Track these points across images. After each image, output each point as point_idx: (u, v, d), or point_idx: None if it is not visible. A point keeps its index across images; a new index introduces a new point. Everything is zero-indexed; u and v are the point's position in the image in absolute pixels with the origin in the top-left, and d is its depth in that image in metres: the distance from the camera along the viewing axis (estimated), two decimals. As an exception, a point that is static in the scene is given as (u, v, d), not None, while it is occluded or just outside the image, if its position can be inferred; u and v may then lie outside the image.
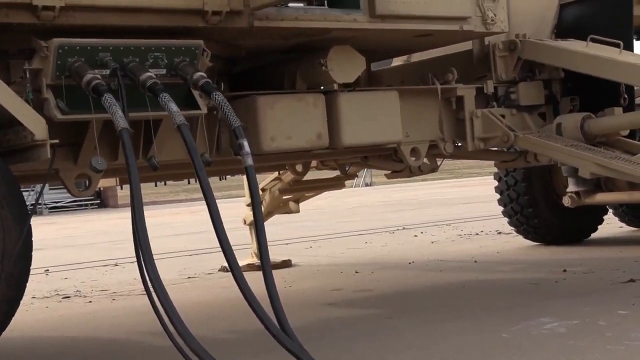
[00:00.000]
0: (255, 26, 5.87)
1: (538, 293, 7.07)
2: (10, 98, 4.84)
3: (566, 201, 9.66)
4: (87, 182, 5.73)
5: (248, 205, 9.89)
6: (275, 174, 9.75)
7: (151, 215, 16.00)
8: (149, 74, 5.18)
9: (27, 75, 5.13)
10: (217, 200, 4.94)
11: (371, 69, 8.35)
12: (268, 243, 5.09)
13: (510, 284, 7.71)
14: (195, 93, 5.53)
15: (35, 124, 4.86)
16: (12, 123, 4.99)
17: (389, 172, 8.07)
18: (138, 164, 4.99)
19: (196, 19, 5.66)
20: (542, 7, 8.04)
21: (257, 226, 5.09)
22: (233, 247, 4.83)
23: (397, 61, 8.64)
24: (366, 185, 41.33)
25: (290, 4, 6.11)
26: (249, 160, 5.17)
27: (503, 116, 7.42)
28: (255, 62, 7.09)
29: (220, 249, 4.84)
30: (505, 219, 10.55)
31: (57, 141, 4.95)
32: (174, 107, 5.03)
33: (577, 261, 8.72)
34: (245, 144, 5.18)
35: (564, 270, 8.10)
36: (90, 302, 8.66)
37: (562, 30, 8.03)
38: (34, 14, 5.10)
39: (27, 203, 5.19)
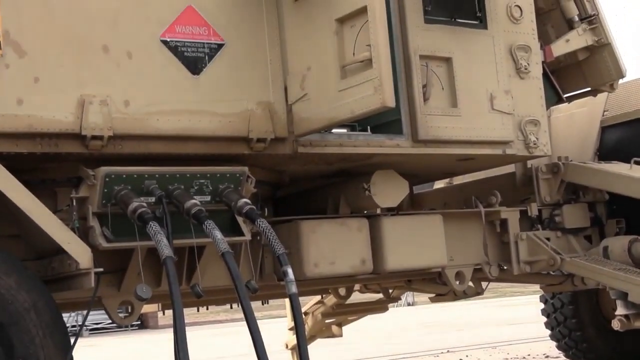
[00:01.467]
0: (300, 152, 5.93)
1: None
2: (57, 226, 4.89)
3: (615, 324, 9.38)
4: (129, 308, 5.71)
5: (290, 329, 9.77)
6: (318, 297, 9.66)
7: (192, 337, 15.86)
8: (193, 201, 5.21)
9: (74, 203, 5.20)
10: (257, 321, 4.88)
11: (414, 192, 8.35)
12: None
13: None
14: (240, 219, 5.55)
15: (80, 253, 4.89)
16: (58, 251, 5.02)
17: (433, 295, 7.96)
18: (181, 291, 4.97)
19: (241, 146, 5.74)
20: (584, 129, 8.06)
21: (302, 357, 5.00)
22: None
23: (439, 183, 8.65)
24: (408, 304, 40.83)
25: (333, 130, 6.17)
26: (293, 288, 5.13)
27: (548, 239, 7.35)
28: (298, 187, 7.13)
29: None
30: (553, 342, 10.28)
31: (101, 270, 4.95)
32: (218, 234, 5.04)
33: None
34: (290, 271, 5.15)
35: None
36: None
37: (605, 152, 8.02)
38: (82, 143, 5.20)
39: (69, 327, 5.16)
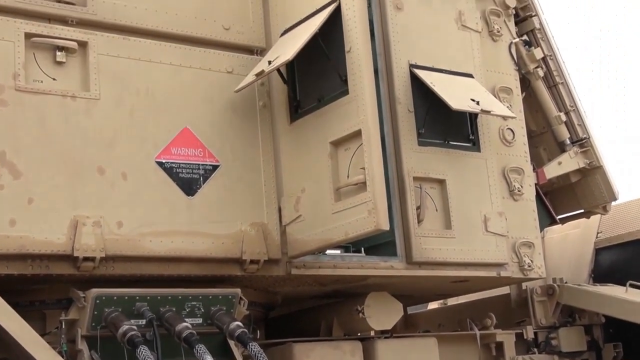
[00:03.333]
0: (293, 274, 5.87)
1: None
2: (44, 351, 4.78)
3: None
4: None
5: None
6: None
7: None
8: (185, 324, 5.12)
9: (63, 326, 5.10)
10: None
11: (408, 312, 8.26)
12: None
13: None
14: (232, 342, 5.45)
15: (66, 380, 4.77)
16: (45, 374, 4.90)
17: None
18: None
19: (234, 267, 5.69)
20: (578, 251, 8.05)
21: None
22: None
23: (433, 304, 8.57)
24: None
25: (327, 252, 6.14)
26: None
27: (545, 363, 7.23)
28: (291, 308, 7.05)
29: None
30: None
31: (88, 396, 4.82)
32: (209, 359, 4.94)
33: None
34: (281, 397, 5.02)
35: None
36: None
37: (600, 273, 7.98)
38: (74, 265, 5.15)
39: None
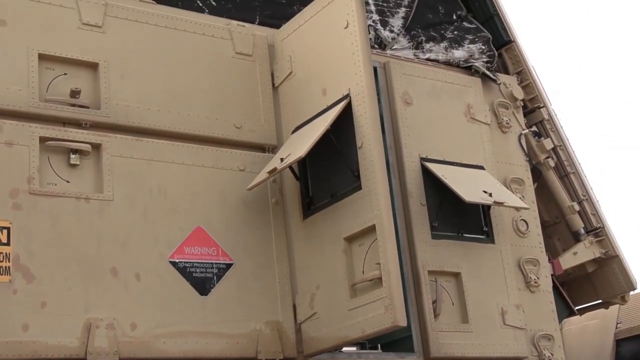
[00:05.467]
0: (309, 373, 5.78)
1: None
2: None
3: None
4: None
5: None
6: None
7: None
8: None
9: None
10: None
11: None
12: None
13: None
14: None
15: None
16: None
17: None
18: None
19: (250, 367, 5.61)
20: (598, 342, 7.93)
21: None
22: None
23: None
24: None
25: (344, 349, 6.04)
26: None
27: None
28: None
29: None
30: None
31: None
32: None
33: None
34: None
35: None
36: None
37: (620, 365, 7.82)
38: (86, 371, 5.07)
39: None
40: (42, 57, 5.49)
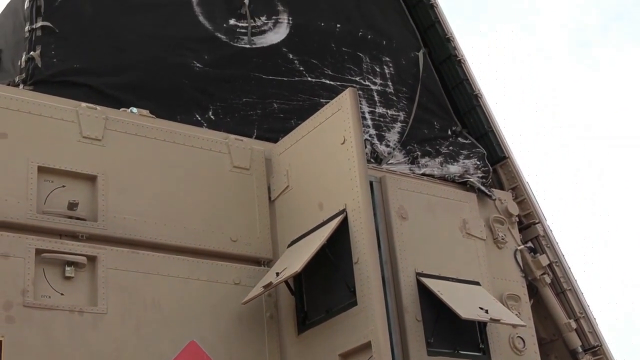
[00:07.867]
0: None
1: None
2: None
3: None
4: None
5: None
6: None
7: None
8: None
9: None
10: None
11: None
12: None
13: None
14: None
15: None
16: None
17: None
18: None
19: None
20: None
21: None
22: None
23: None
24: None
25: None
26: None
27: None
28: None
29: None
30: None
31: None
32: None
33: None
34: None
35: None
36: None
37: None
38: None
39: None
40: (42, 170, 5.54)
